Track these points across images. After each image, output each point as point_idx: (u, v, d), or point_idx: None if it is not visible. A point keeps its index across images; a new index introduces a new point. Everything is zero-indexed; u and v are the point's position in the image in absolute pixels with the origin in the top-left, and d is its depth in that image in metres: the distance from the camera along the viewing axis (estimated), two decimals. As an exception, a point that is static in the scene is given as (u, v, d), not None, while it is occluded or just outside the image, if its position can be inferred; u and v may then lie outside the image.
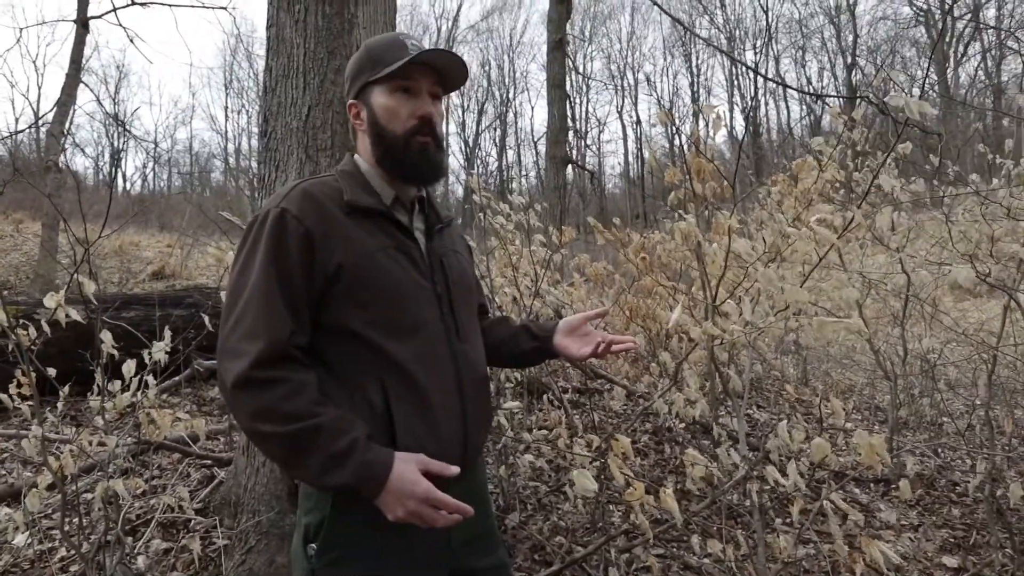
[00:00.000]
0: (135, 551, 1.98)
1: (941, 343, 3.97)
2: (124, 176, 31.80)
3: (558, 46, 7.03)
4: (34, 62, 36.13)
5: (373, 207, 1.02)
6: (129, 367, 1.79)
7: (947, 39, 24.36)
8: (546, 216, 6.69)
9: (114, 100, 29.45)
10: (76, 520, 1.81)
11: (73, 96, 7.44)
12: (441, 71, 1.07)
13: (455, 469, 0.95)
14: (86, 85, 7.94)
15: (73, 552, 1.93)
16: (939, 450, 3.70)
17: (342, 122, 1.98)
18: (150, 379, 1.85)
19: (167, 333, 2.05)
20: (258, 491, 1.96)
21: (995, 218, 2.43)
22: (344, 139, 1.98)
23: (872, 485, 3.28)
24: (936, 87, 24.41)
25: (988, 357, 2.65)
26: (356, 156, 1.11)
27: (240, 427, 0.96)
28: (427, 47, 1.06)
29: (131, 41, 8.61)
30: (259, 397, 0.88)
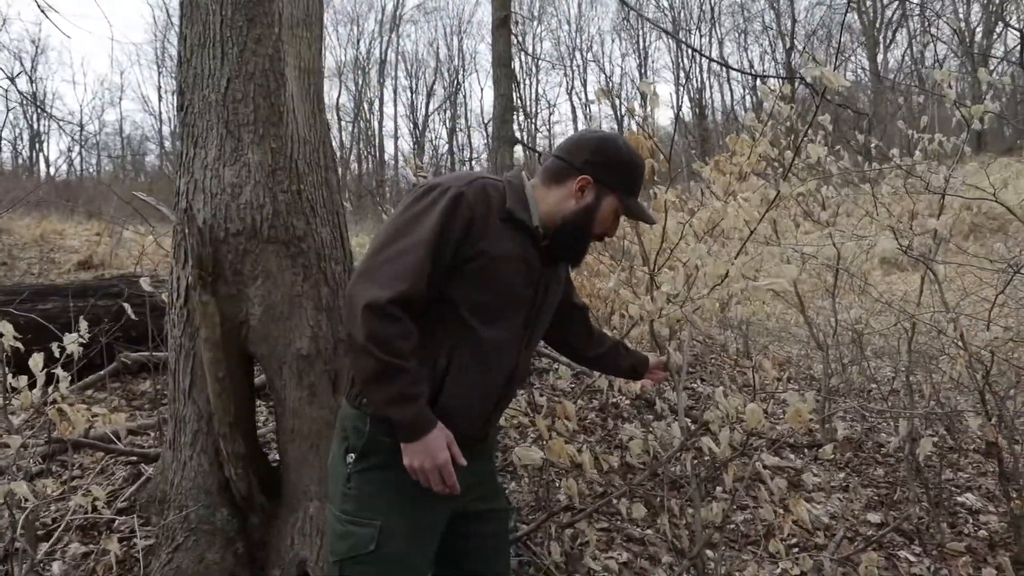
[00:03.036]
0: (51, 557, 1.86)
1: (869, 314, 4.18)
2: (47, 160, 29.63)
3: (503, 23, 6.93)
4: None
5: (524, 222, 1.22)
6: (36, 361, 1.66)
7: (877, 25, 25.46)
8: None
9: (30, 78, 27.30)
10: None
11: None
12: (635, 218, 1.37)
13: (464, 461, 1.15)
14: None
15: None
16: (866, 415, 3.91)
17: (264, 95, 1.86)
18: (60, 372, 1.72)
19: (83, 324, 1.91)
20: (185, 486, 1.86)
21: (916, 191, 2.55)
22: (268, 113, 1.87)
23: (806, 450, 3.44)
24: (867, 70, 25.53)
25: (908, 325, 2.80)
26: (526, 177, 1.31)
27: (351, 336, 1.11)
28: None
29: (42, 11, 7.93)
30: (382, 325, 1.07)
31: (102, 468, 2.41)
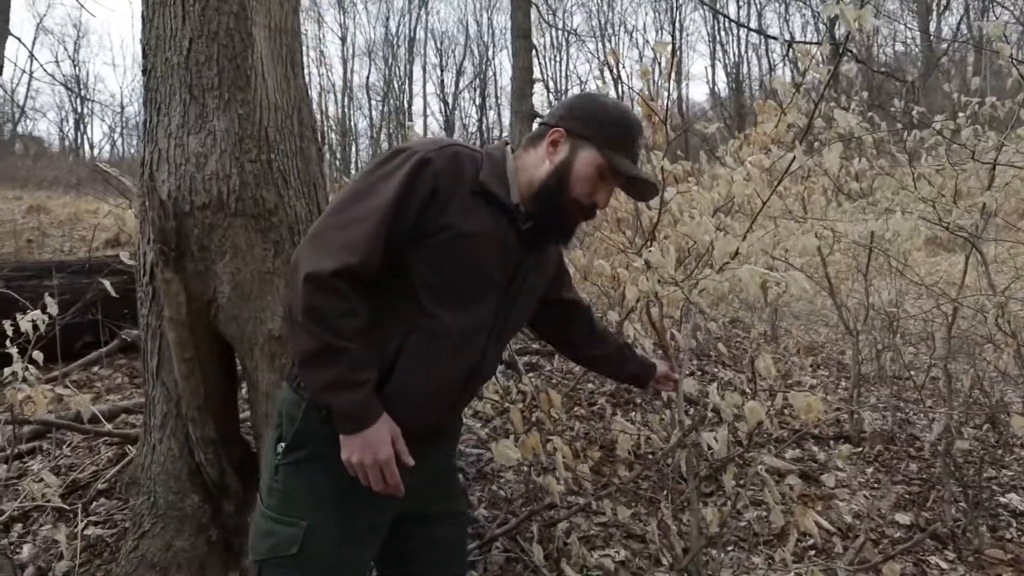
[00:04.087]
0: (22, 540, 1.81)
1: (905, 297, 3.87)
2: (90, 143, 30.50)
3: (522, -8, 6.63)
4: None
5: (498, 197, 1.07)
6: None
7: (930, -10, 23.88)
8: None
9: (73, 61, 28.00)
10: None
11: (1, 50, 6.90)
12: (631, 189, 1.16)
13: (411, 461, 1.02)
14: (16, 38, 7.37)
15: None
16: (900, 404, 3.64)
17: (229, 57, 1.73)
18: (14, 352, 1.64)
19: (50, 301, 1.83)
20: (155, 471, 1.79)
21: (961, 161, 2.27)
22: (234, 77, 1.74)
23: (831, 443, 3.21)
24: (919, 41, 24.07)
25: (948, 310, 2.54)
26: (509, 149, 1.15)
27: (290, 309, 0.99)
28: (641, 148, 1.16)
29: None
30: (324, 299, 0.95)
31: (90, 447, 2.37)
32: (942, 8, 24.72)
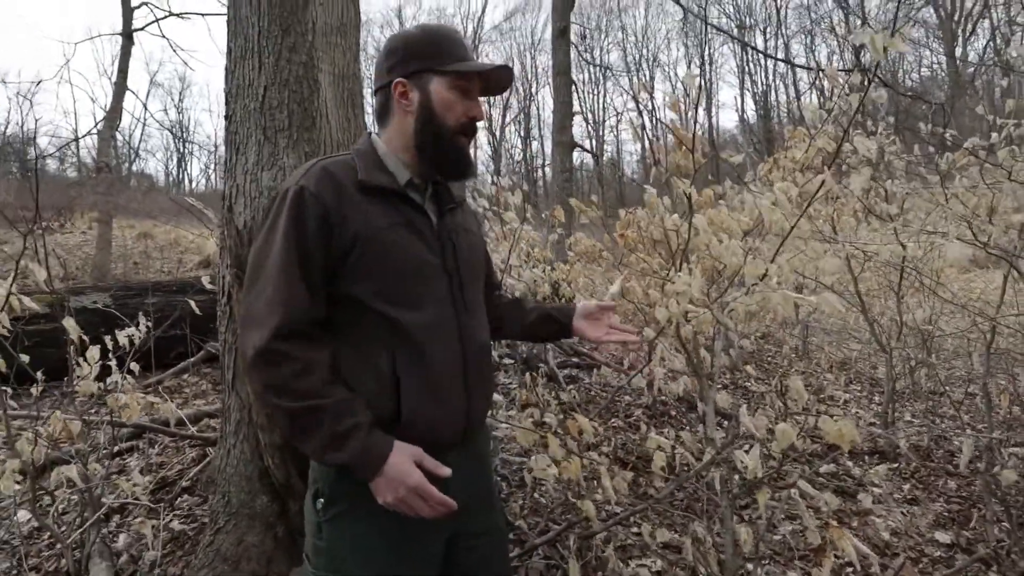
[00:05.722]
0: (119, 530, 1.87)
1: (939, 315, 3.60)
2: (190, 178, 32.52)
3: (562, 34, 6.66)
4: (109, 78, 36.91)
5: (386, 186, 0.98)
6: (93, 353, 1.65)
7: (956, 18, 22.67)
8: (553, 199, 6.41)
9: (178, 109, 30.00)
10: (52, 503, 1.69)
11: (121, 103, 7.42)
12: (492, 84, 1.07)
13: (447, 471, 0.92)
14: (132, 92, 7.93)
15: (63, 529, 1.83)
16: (936, 420, 3.36)
17: (298, 101, 1.77)
18: (114, 364, 1.70)
19: (142, 319, 1.90)
20: (228, 472, 1.81)
21: (996, 182, 2.09)
22: (302, 119, 1.78)
23: (866, 458, 2.99)
24: (944, 66, 22.83)
25: (986, 327, 2.33)
26: (373, 136, 1.06)
27: (254, 397, 0.92)
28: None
29: (174, 51, 8.57)
30: (273, 371, 0.87)
31: (176, 447, 2.44)
32: (967, 34, 23.42)
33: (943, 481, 2.79)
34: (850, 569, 1.96)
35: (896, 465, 2.88)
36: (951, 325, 3.64)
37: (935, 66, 23.63)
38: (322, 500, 0.95)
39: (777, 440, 1.12)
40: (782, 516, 2.24)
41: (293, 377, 0.86)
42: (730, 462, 1.44)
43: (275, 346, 0.87)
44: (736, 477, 1.41)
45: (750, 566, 1.83)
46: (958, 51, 22.82)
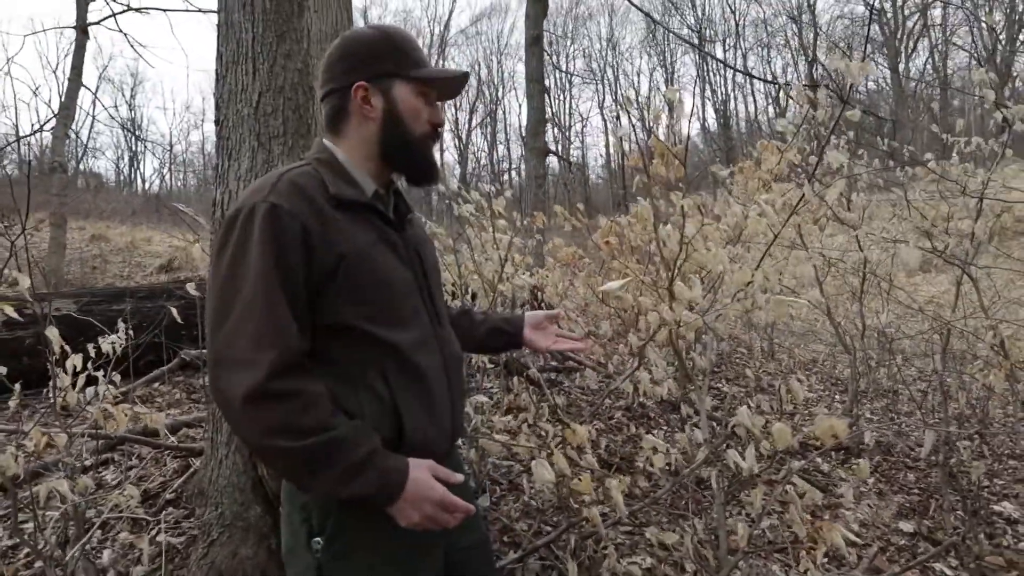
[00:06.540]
0: (102, 546, 1.80)
1: (897, 317, 3.83)
2: (143, 177, 31.18)
3: (535, 42, 6.75)
4: (54, 71, 35.00)
5: (357, 200, 0.91)
6: (75, 361, 1.59)
7: (898, 36, 24.02)
8: (526, 204, 6.49)
9: (130, 106, 28.72)
10: (34, 518, 1.62)
11: (75, 100, 7.09)
12: (449, 90, 1.03)
13: (459, 477, 0.89)
14: (87, 88, 7.58)
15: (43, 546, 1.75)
16: (895, 416, 3.57)
17: (293, 108, 1.76)
18: (100, 375, 1.65)
19: (121, 326, 1.85)
20: (221, 483, 1.78)
21: (951, 194, 2.26)
22: (297, 126, 1.77)
23: (833, 454, 3.15)
24: (888, 80, 24.15)
25: (942, 330, 2.50)
26: (329, 144, 0.97)
27: (249, 444, 0.82)
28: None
29: (132, 47, 8.24)
30: (271, 413, 0.77)
31: (156, 459, 2.37)
32: (910, 51, 24.85)
33: (903, 474, 2.97)
34: (826, 559, 2.07)
35: (860, 460, 3.05)
36: (906, 327, 3.88)
37: (880, 80, 24.96)
38: (320, 539, 0.85)
39: (775, 439, 1.18)
40: (764, 511, 2.34)
41: (297, 414, 0.77)
42: (723, 461, 1.51)
43: (271, 386, 0.77)
44: (730, 475, 1.48)
45: (741, 563, 1.91)
46: (901, 66, 24.17)
